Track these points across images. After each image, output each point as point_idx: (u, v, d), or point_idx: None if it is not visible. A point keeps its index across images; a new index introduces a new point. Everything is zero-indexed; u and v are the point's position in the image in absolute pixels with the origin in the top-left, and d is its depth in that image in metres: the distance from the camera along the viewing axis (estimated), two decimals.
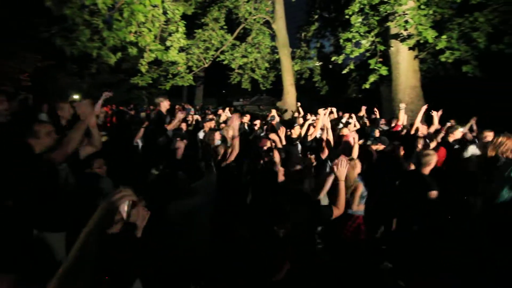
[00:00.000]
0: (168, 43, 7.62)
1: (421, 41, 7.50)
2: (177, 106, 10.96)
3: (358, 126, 6.17)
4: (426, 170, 3.15)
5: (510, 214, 2.80)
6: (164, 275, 2.04)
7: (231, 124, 3.23)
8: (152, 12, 6.03)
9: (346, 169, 2.13)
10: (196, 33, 10.22)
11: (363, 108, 7.46)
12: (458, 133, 4.73)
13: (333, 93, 14.16)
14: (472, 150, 4.17)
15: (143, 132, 4.42)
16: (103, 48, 5.80)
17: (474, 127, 5.74)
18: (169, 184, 2.80)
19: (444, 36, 7.35)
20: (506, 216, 2.81)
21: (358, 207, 3.12)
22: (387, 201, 3.50)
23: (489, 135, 3.97)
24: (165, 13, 7.19)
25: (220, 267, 2.48)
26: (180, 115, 4.03)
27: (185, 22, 7.76)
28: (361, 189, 3.12)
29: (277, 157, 3.23)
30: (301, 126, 5.28)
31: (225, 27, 10.61)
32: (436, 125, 5.28)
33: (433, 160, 3.15)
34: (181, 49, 8.98)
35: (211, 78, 19.37)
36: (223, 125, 5.82)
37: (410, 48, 7.86)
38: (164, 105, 4.23)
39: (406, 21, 7.22)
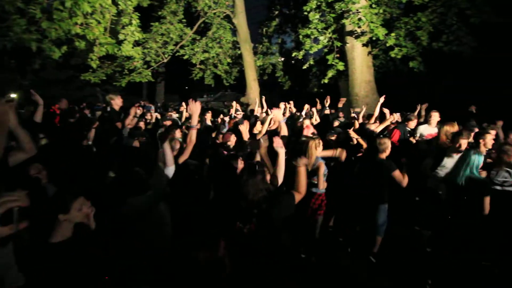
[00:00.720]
0: (121, 37, 7.13)
1: (374, 38, 7.98)
2: (136, 104, 10.39)
3: (318, 119, 6.38)
4: (384, 155, 3.41)
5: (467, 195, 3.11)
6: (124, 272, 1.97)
7: (190, 112, 3.07)
8: (99, 1, 5.56)
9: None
10: (153, 26, 9.72)
11: (327, 98, 7.72)
12: (412, 123, 5.21)
13: (296, 88, 14.50)
14: (421, 129, 4.76)
15: (95, 132, 4.09)
16: (44, 41, 5.23)
17: (422, 113, 6.29)
18: (126, 183, 2.65)
19: (393, 34, 7.90)
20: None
21: (323, 186, 3.35)
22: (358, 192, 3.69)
23: (435, 115, 4.72)
24: (116, 4, 6.71)
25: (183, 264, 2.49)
26: (132, 111, 3.78)
27: (139, 14, 7.32)
28: (323, 168, 3.32)
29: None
30: (262, 121, 5.31)
31: (184, 20, 10.23)
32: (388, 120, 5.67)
33: (388, 145, 3.40)
34: (137, 43, 8.48)
35: (172, 74, 18.65)
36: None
37: (363, 45, 8.31)
38: (116, 102, 3.96)
39: (360, 19, 7.60)
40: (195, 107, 2.89)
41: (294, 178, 2.25)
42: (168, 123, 5.35)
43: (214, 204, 3.34)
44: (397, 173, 3.31)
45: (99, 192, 2.70)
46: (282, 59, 14.92)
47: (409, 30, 8.00)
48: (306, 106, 7.04)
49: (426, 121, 4.96)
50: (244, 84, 10.97)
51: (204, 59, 10.80)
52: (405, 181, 3.32)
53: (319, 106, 7.74)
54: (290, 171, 2.41)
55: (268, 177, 2.24)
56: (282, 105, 6.72)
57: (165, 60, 10.23)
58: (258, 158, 2.83)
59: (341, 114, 8.38)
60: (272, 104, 8.88)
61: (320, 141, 3.42)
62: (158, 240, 2.31)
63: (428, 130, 4.73)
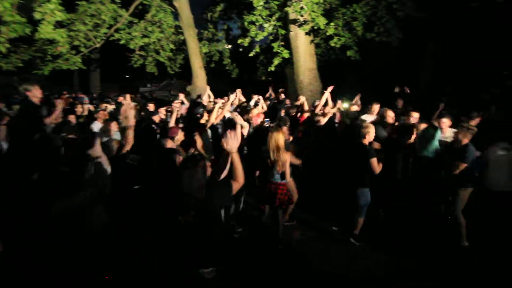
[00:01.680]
0: (37, 16, 6.09)
1: (315, 27, 8.27)
2: (63, 96, 9.16)
3: (265, 107, 6.46)
4: (366, 141, 3.57)
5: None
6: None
7: (124, 113, 2.85)
8: None
9: (237, 141, 2.15)
10: (80, 5, 8.54)
11: (270, 88, 7.86)
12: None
13: (244, 75, 14.46)
14: (364, 118, 5.28)
15: (8, 129, 3.48)
16: None
17: (359, 102, 6.85)
18: (53, 184, 2.36)
19: (332, 24, 8.29)
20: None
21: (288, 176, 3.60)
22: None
23: (376, 106, 5.43)
24: None
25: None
26: (59, 105, 3.31)
27: None
28: (289, 159, 3.51)
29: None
30: (210, 111, 5.16)
31: (118, 0, 9.20)
32: (330, 104, 6.04)
33: (370, 131, 3.57)
34: (60, 25, 7.39)
35: (109, 61, 16.88)
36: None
37: (306, 33, 8.57)
38: (34, 94, 3.41)
39: (302, 8, 7.78)
40: (128, 106, 2.69)
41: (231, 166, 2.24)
42: (101, 115, 4.84)
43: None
44: (374, 160, 3.45)
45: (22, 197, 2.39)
46: (229, 46, 14.62)
47: (346, 20, 8.50)
48: (255, 96, 7.06)
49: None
50: (191, 72, 10.50)
51: (144, 44, 9.96)
52: (378, 168, 3.48)
53: (273, 95, 7.83)
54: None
55: (209, 169, 2.19)
56: (255, 96, 6.69)
57: (98, 45, 9.16)
58: (199, 147, 2.75)
59: (287, 102, 8.65)
60: (220, 92, 8.73)
61: (285, 130, 3.59)
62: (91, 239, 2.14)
63: (369, 118, 5.22)
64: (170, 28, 10.27)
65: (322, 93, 6.27)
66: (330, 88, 5.66)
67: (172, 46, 10.61)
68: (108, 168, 2.55)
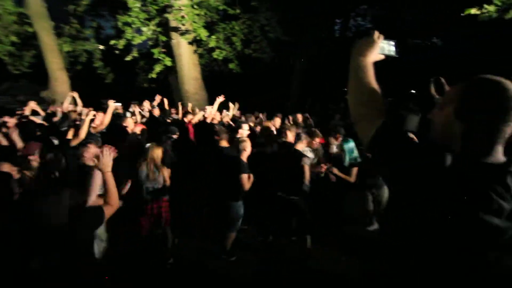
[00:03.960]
0: None
1: (198, 38, 8.38)
2: None
3: (139, 118, 5.87)
4: (244, 156, 3.35)
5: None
6: None
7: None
8: None
9: (110, 158, 1.87)
10: None
11: (157, 97, 7.26)
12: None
13: (123, 82, 12.96)
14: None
15: None
16: None
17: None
18: None
19: (213, 36, 8.62)
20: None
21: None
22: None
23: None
24: None
25: None
26: None
27: None
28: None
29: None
30: (76, 125, 4.29)
31: None
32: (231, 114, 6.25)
33: (246, 145, 3.37)
34: None
35: None
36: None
37: (189, 43, 8.56)
38: None
39: (183, 17, 7.72)
40: None
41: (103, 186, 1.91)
42: None
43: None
44: (244, 176, 3.27)
45: None
46: (102, 47, 12.76)
47: (227, 35, 9.05)
48: (133, 105, 6.40)
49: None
50: (47, 73, 8.48)
51: None
52: (248, 185, 3.30)
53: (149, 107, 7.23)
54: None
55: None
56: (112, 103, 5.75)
57: None
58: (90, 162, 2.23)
59: (173, 111, 8.31)
60: (90, 99, 7.43)
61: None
62: None
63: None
64: (9, 15, 7.98)
65: (209, 103, 6.38)
66: (221, 98, 5.68)
67: (14, 38, 8.27)
68: None
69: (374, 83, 1.07)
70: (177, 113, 7.65)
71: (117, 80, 11.69)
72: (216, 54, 8.81)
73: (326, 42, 11.73)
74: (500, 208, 0.84)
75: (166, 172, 3.31)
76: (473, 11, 4.86)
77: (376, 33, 1.15)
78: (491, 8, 4.74)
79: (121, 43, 8.01)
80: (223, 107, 6.47)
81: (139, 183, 3.21)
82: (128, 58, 8.57)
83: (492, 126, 0.89)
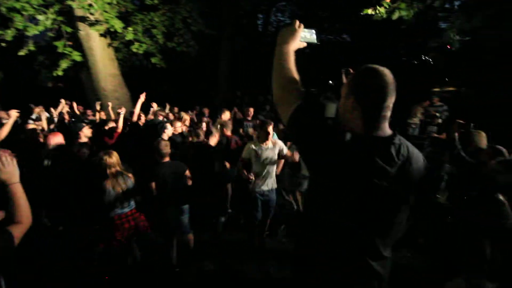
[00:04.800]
0: None
1: (112, 30, 7.53)
2: None
3: (45, 125, 5.06)
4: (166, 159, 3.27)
5: None
6: None
7: None
8: None
9: (13, 167, 1.57)
10: None
11: (62, 103, 6.20)
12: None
13: (18, 80, 10.80)
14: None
15: None
16: None
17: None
18: None
19: (130, 28, 7.89)
20: None
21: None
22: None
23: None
24: None
25: None
26: None
27: None
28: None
29: None
30: None
31: None
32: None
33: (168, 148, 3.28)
34: None
35: None
36: None
37: (102, 35, 7.63)
38: None
39: (90, 5, 6.80)
40: None
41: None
42: None
43: None
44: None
45: None
46: None
47: (146, 27, 8.39)
48: (37, 109, 5.43)
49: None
50: None
51: None
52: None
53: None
54: None
55: None
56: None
57: None
58: None
59: (89, 112, 7.43)
60: None
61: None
62: None
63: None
64: None
65: (132, 100, 5.86)
66: (142, 97, 5.26)
67: None
68: None
69: (294, 70, 1.18)
70: (94, 115, 6.84)
71: (11, 79, 9.69)
72: (135, 48, 8.10)
73: (250, 36, 12.02)
74: (385, 172, 1.03)
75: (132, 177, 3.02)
76: (370, 11, 5.65)
77: (297, 22, 1.25)
78: (382, 9, 5.60)
79: (9, 33, 6.62)
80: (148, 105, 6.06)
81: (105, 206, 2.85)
82: (22, 53, 7.18)
83: (376, 106, 1.08)
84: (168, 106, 7.54)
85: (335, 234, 1.09)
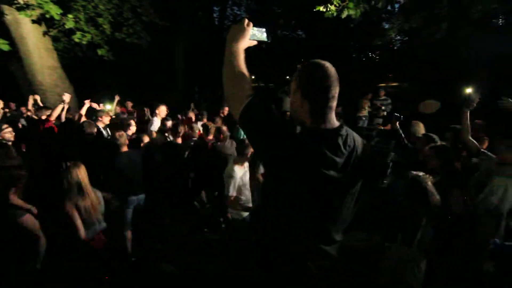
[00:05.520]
0: None
1: (48, 16, 6.68)
2: None
3: None
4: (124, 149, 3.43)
5: None
6: None
7: None
8: None
9: None
10: None
11: None
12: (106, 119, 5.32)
13: None
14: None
15: None
16: None
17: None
18: None
19: (70, 16, 7.10)
20: None
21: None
22: None
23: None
24: None
25: None
26: None
27: None
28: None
29: None
30: None
31: None
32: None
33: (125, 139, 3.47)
34: None
35: None
36: None
37: (35, 22, 6.74)
38: None
39: None
40: None
41: None
42: None
43: None
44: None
45: None
46: None
47: (89, 15, 7.62)
48: None
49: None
50: None
51: None
52: None
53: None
54: None
55: None
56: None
57: None
58: None
59: (23, 110, 6.61)
60: None
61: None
62: None
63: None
64: None
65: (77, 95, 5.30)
66: (87, 103, 5.03)
67: None
68: None
69: (244, 67, 1.18)
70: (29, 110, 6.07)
71: None
72: (77, 38, 7.32)
73: (206, 29, 11.72)
74: (334, 162, 1.08)
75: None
76: (321, 9, 5.89)
77: (246, 21, 1.25)
78: (333, 7, 5.87)
79: None
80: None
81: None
82: None
83: (322, 98, 1.12)
84: (117, 98, 7.01)
85: (290, 223, 1.12)
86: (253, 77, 19.18)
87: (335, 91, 1.14)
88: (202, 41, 12.45)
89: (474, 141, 2.92)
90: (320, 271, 1.14)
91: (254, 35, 1.28)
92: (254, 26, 1.28)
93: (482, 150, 2.90)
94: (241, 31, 1.23)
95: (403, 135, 3.52)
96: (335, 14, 5.89)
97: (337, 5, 5.80)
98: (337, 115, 1.20)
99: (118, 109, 7.45)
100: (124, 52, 9.25)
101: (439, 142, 3.00)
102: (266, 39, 1.33)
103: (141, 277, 3.15)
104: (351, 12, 5.75)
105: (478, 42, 7.44)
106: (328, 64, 1.14)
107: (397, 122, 3.53)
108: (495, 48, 7.44)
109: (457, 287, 2.45)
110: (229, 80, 1.18)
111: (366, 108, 8.19)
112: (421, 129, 3.83)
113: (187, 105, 7.19)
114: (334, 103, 1.16)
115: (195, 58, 12.91)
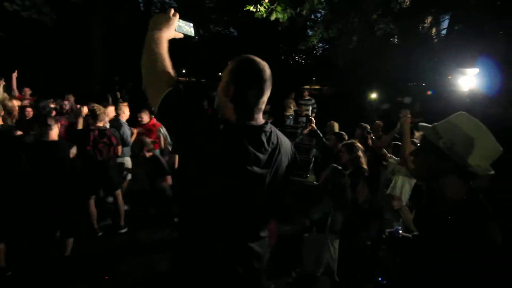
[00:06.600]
0: None
1: None
2: None
3: None
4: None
5: None
6: None
7: None
8: None
9: None
10: None
11: None
12: None
13: None
14: None
15: None
16: None
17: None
18: None
19: None
20: None
21: None
22: None
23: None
24: None
25: None
26: None
27: None
28: None
29: None
30: None
31: None
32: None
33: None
34: None
35: None
36: None
37: None
38: None
39: None
40: None
41: None
42: None
43: None
44: None
45: None
46: None
47: None
48: None
49: None
50: None
51: None
52: None
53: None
54: None
55: None
56: None
57: None
58: None
59: None
60: None
61: None
62: None
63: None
64: None
65: None
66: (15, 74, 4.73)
67: None
68: None
69: (166, 56, 1.11)
70: None
71: None
72: None
73: (130, 14, 10.64)
74: (257, 159, 1.09)
75: None
76: (251, 8, 6.00)
77: (172, 11, 1.18)
78: (262, 9, 6.05)
79: None
80: None
81: None
82: None
83: (253, 103, 1.12)
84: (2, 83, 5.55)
85: (213, 219, 1.10)
86: (183, 71, 18.38)
87: (267, 95, 1.14)
88: (124, 26, 11.18)
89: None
90: (247, 271, 1.13)
91: (180, 27, 1.22)
92: (182, 19, 1.22)
93: (388, 154, 3.40)
94: (166, 20, 1.16)
95: (321, 134, 3.96)
96: (264, 15, 6.10)
97: (267, 7, 6.01)
98: (266, 113, 1.22)
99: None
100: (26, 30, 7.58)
101: (346, 139, 3.48)
102: (193, 35, 1.28)
103: None
104: (279, 15, 6.04)
105: (380, 55, 8.90)
106: (266, 67, 1.13)
107: (313, 124, 3.97)
108: (392, 61, 9.06)
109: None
110: (148, 68, 1.10)
111: (292, 107, 8.82)
112: (334, 128, 4.39)
113: (105, 96, 6.34)
114: (263, 106, 1.16)
115: (116, 44, 11.54)
